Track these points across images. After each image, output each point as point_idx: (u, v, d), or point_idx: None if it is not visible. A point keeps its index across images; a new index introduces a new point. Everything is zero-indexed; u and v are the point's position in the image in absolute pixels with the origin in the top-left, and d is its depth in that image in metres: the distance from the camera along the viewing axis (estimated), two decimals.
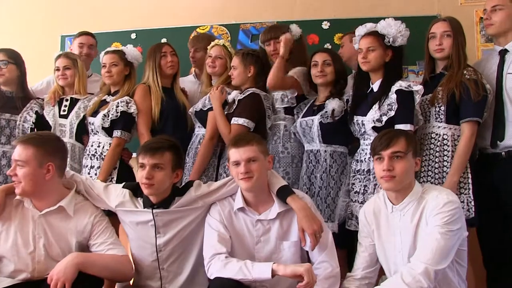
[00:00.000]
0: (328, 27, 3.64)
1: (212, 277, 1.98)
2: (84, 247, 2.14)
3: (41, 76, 3.33)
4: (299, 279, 1.84)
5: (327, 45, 3.55)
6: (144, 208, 2.17)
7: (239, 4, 3.82)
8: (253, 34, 3.72)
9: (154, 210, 2.14)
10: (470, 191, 2.33)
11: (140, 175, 2.10)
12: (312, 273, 1.86)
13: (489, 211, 2.35)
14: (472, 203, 2.31)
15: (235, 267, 1.93)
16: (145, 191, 2.11)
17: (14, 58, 2.85)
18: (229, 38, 3.74)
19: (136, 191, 2.21)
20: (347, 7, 3.64)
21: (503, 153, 2.40)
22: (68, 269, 1.90)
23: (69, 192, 2.16)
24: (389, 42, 2.42)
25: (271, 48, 2.78)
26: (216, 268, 1.97)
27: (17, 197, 2.10)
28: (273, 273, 1.87)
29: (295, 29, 2.81)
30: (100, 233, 2.12)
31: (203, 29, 3.79)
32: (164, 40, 3.71)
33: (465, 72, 2.36)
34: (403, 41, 2.44)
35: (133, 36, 3.91)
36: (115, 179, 2.70)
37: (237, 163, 2.07)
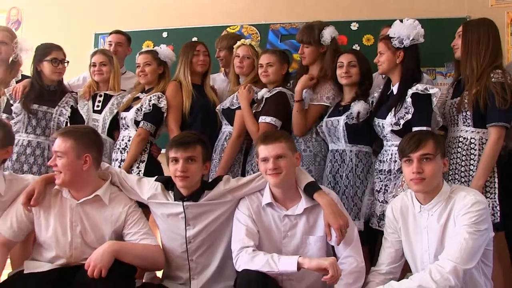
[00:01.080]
0: (356, 28, 3.68)
1: (239, 270, 2.03)
2: (118, 236, 2.22)
3: (75, 72, 3.43)
4: (324, 272, 1.87)
5: (356, 46, 3.58)
6: (175, 200, 2.23)
7: (269, 5, 3.89)
8: (282, 34, 3.79)
9: (185, 203, 2.20)
10: (496, 196, 2.31)
11: (173, 169, 2.17)
12: (337, 266, 1.88)
13: None
14: (498, 207, 2.30)
15: (262, 260, 1.97)
16: (179, 183, 2.18)
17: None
18: (259, 38, 3.81)
19: (167, 184, 2.28)
20: (376, 9, 3.67)
21: None
22: (105, 256, 1.99)
23: (105, 183, 2.25)
24: (396, 44, 2.44)
25: (300, 52, 2.83)
26: (243, 261, 2.01)
27: (56, 186, 2.20)
28: (299, 266, 1.91)
29: (328, 34, 2.77)
30: (134, 223, 2.21)
31: (233, 29, 3.86)
32: (195, 39, 3.77)
33: (492, 74, 2.32)
34: (412, 41, 2.43)
35: (164, 34, 4.01)
36: (142, 172, 2.76)
37: (265, 159, 2.12)
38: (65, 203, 2.21)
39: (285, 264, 1.94)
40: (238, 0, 3.95)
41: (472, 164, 2.35)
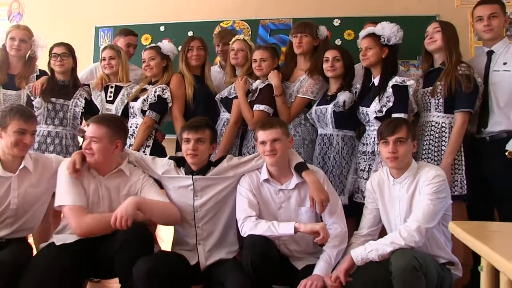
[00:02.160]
0: (339, 24, 3.91)
1: (245, 235, 2.36)
2: None
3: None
4: (316, 235, 2.24)
5: (338, 41, 3.85)
6: (185, 175, 2.56)
7: (259, 2, 4.10)
8: (271, 29, 4.02)
9: (194, 176, 2.53)
10: (463, 172, 2.66)
11: (185, 148, 2.51)
12: (326, 229, 2.25)
13: (475, 184, 2.70)
14: (465, 181, 2.65)
15: (264, 226, 2.32)
16: (190, 160, 2.52)
17: (71, 52, 3.22)
18: (250, 32, 4.02)
19: (178, 162, 2.62)
20: (357, 7, 3.91)
21: (487, 137, 2.76)
22: (129, 207, 2.24)
23: (123, 161, 2.56)
24: (385, 42, 2.78)
25: (297, 40, 3.09)
26: (248, 227, 2.35)
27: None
28: (295, 230, 2.25)
29: (323, 30, 3.14)
30: (149, 187, 2.51)
31: (226, 24, 4.09)
32: (190, 33, 4.02)
33: (459, 68, 2.68)
34: (396, 40, 2.79)
35: (162, 28, 4.19)
36: (148, 155, 2.94)
37: (263, 143, 2.46)
38: (94, 178, 2.51)
39: (284, 228, 2.29)
40: None
41: (443, 145, 2.69)
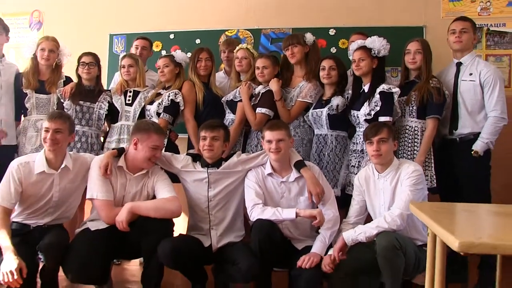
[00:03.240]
0: (334, 33, 4.19)
1: (254, 220, 2.71)
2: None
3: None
4: (313, 219, 2.62)
5: (333, 49, 4.15)
6: (202, 167, 2.92)
7: (261, 12, 4.38)
8: (272, 38, 4.33)
9: (209, 170, 2.90)
10: (433, 168, 3.03)
11: (202, 144, 2.90)
12: (322, 214, 2.63)
13: (447, 178, 3.09)
14: (434, 177, 3.01)
15: (270, 212, 2.68)
16: (206, 155, 2.90)
17: (97, 61, 3.59)
18: (252, 41, 4.31)
19: (195, 157, 3.00)
20: (350, 18, 4.18)
21: (458, 138, 3.14)
22: (123, 213, 2.65)
23: None
24: (375, 54, 3.13)
25: (289, 53, 3.42)
26: (257, 213, 2.71)
27: (120, 163, 2.87)
28: (296, 215, 2.61)
29: (309, 36, 3.45)
30: (160, 183, 2.87)
31: (231, 32, 4.39)
32: (198, 41, 4.36)
33: (430, 81, 3.07)
34: (385, 53, 3.14)
35: (171, 36, 4.48)
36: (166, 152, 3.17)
37: (270, 141, 2.82)
38: (123, 175, 2.87)
39: (287, 213, 2.66)
40: (235, 7, 4.43)
41: (415, 146, 3.06)
